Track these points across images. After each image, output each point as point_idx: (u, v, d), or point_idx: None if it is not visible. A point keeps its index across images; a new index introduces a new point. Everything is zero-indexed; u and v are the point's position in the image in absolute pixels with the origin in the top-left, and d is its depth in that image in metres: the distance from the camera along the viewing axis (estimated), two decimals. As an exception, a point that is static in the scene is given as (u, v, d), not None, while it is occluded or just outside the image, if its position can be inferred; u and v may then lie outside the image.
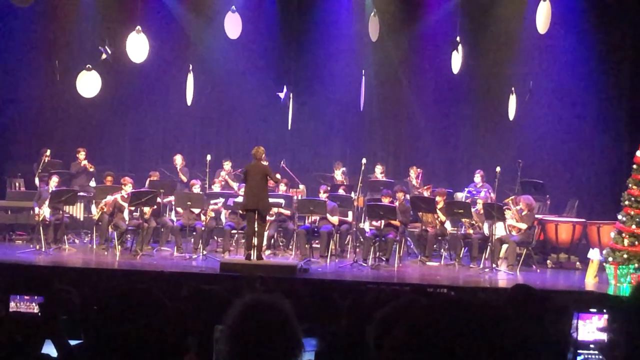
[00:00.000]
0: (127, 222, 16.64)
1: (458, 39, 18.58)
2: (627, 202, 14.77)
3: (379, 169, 19.35)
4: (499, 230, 16.49)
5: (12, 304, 5.62)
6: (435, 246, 17.30)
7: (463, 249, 16.90)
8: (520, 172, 18.44)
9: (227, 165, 19.15)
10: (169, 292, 6.37)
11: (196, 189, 17.36)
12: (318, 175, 19.73)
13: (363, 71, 19.78)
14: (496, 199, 17.02)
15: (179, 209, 17.34)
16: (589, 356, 5.72)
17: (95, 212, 17.21)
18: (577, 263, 16.91)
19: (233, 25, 19.28)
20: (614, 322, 5.19)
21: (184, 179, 18.98)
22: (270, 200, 15.79)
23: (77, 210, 18.18)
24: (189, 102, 19.34)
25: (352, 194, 17.73)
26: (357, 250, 16.83)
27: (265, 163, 15.73)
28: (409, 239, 17.68)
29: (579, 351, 5.68)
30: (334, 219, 16.67)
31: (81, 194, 18.02)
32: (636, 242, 14.52)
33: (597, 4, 19.57)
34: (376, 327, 3.06)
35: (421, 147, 21.57)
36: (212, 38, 20.63)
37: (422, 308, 2.12)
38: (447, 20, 20.14)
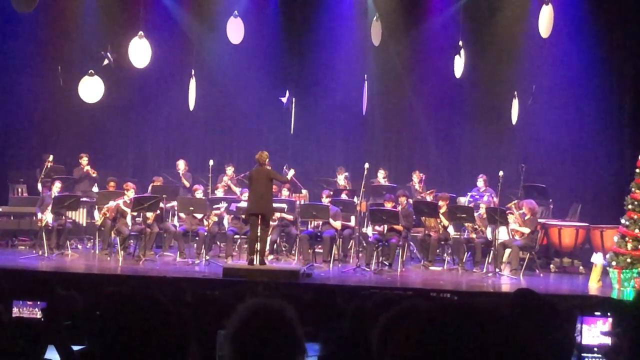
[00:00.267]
0: (129, 228, 16.64)
1: (460, 43, 18.57)
2: (630, 206, 14.77)
3: (381, 173, 19.33)
4: (502, 234, 16.48)
5: (15, 310, 5.62)
6: (438, 251, 17.28)
7: (466, 253, 16.89)
8: (523, 176, 18.39)
9: (230, 170, 19.15)
10: (171, 298, 6.37)
11: (199, 194, 17.36)
12: (321, 180, 19.74)
13: (365, 76, 19.78)
14: (499, 203, 16.99)
15: (182, 214, 17.34)
16: (593, 360, 5.72)
17: (97, 217, 17.22)
18: (581, 267, 16.89)
19: (235, 30, 19.31)
20: (618, 326, 5.17)
21: (187, 184, 18.98)
22: (274, 205, 15.79)
23: (79, 216, 18.20)
24: (191, 107, 19.37)
25: (355, 199, 17.73)
26: (360, 255, 16.82)
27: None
28: (411, 243, 17.67)
29: (582, 355, 5.67)
30: (337, 224, 16.67)
31: (84, 199, 18.04)
32: (639, 246, 14.50)
33: (599, 8, 19.57)
34: (379, 332, 3.05)
35: (424, 152, 21.58)
36: (215, 43, 20.64)
37: (425, 313, 2.11)
38: (450, 25, 20.16)
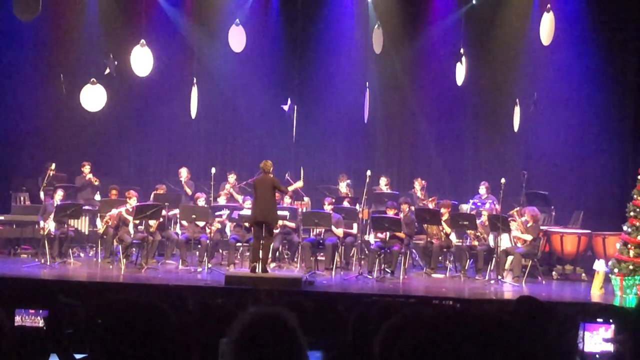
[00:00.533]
0: (132, 236, 16.63)
1: (462, 50, 18.59)
2: (632, 213, 14.77)
3: (383, 181, 19.32)
4: (504, 241, 16.48)
5: (17, 318, 5.62)
6: (440, 258, 17.27)
7: (468, 260, 16.88)
8: (525, 183, 18.42)
9: (232, 178, 19.15)
10: (174, 306, 6.37)
11: (201, 202, 17.36)
12: (323, 188, 19.72)
13: (367, 83, 19.79)
14: (501, 210, 16.99)
15: (184, 222, 17.34)
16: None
17: (100, 225, 17.23)
18: (583, 274, 16.87)
19: (237, 39, 19.33)
20: (620, 333, 5.17)
21: (189, 191, 18.98)
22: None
23: (82, 224, 18.20)
24: (193, 115, 19.38)
25: (357, 206, 17.72)
26: (362, 262, 16.83)
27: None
28: (414, 251, 17.66)
29: (585, 362, 5.67)
30: (339, 231, 16.67)
31: (86, 207, 18.04)
32: (642, 253, 14.51)
33: (600, 15, 19.58)
34: (382, 339, 3.06)
35: (426, 159, 21.57)
36: (217, 51, 20.66)
37: (428, 320, 2.12)
38: (451, 32, 20.19)
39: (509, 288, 15.43)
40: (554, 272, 17.11)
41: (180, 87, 20.36)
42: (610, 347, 5.58)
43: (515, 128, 18.98)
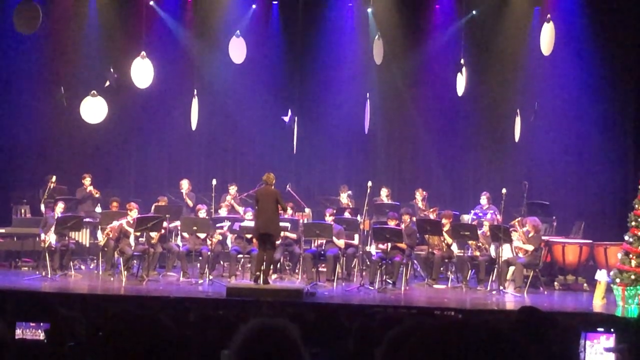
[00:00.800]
0: (133, 248, 16.60)
1: (462, 61, 18.61)
2: (633, 223, 14.74)
3: (384, 191, 19.30)
4: (506, 252, 16.45)
5: (17, 332, 5.60)
6: (442, 269, 17.25)
7: (470, 271, 16.85)
8: (527, 193, 18.42)
9: (233, 189, 19.15)
10: (175, 318, 6.35)
11: (202, 214, 17.35)
12: (324, 199, 19.72)
13: (368, 94, 19.79)
14: (502, 220, 16.99)
15: (185, 234, 17.33)
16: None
17: (101, 238, 17.21)
18: (585, 285, 16.85)
19: (238, 50, 19.35)
20: (622, 343, 5.16)
21: (190, 203, 18.97)
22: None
23: (83, 237, 18.17)
24: (193, 127, 19.39)
25: (358, 217, 17.72)
26: (364, 273, 16.81)
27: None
28: (415, 261, 17.64)
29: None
30: (340, 242, 16.66)
31: (87, 219, 18.02)
32: (643, 263, 14.48)
33: (600, 25, 19.62)
34: (384, 350, 3.04)
35: (427, 170, 21.57)
36: (217, 63, 20.68)
37: (430, 331, 2.10)
38: (451, 43, 20.23)
39: (510, 298, 15.41)
40: (555, 283, 17.09)
41: (180, 99, 20.38)
42: (611, 357, 5.56)
43: (516, 138, 18.98)
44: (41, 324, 5.51)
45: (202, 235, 17.02)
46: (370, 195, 17.48)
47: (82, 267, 17.96)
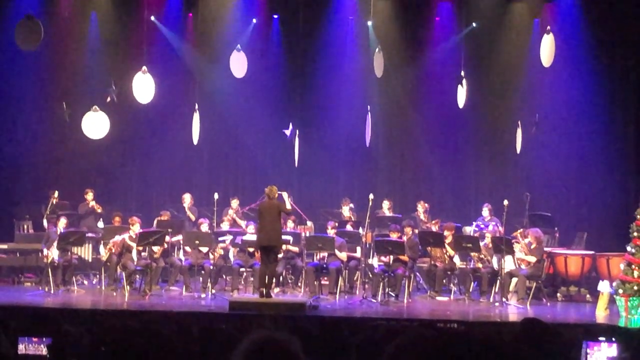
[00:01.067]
0: (135, 263, 16.60)
1: (463, 73, 18.63)
2: (635, 234, 14.73)
3: (386, 204, 19.31)
4: (508, 264, 16.45)
5: (20, 347, 5.60)
6: (444, 281, 17.24)
7: (472, 283, 16.85)
8: (528, 205, 18.40)
9: (235, 203, 19.16)
10: (178, 332, 6.36)
11: (204, 228, 17.35)
12: (326, 212, 19.72)
13: (368, 107, 19.79)
14: (504, 232, 16.97)
15: (187, 248, 17.31)
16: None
17: (103, 253, 17.21)
18: (588, 296, 16.85)
19: (239, 64, 19.37)
20: (624, 353, 5.16)
21: (193, 217, 18.97)
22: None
23: (85, 252, 18.18)
24: (195, 141, 19.38)
25: (360, 230, 17.70)
26: (366, 286, 16.79)
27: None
28: (418, 274, 17.64)
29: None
30: (343, 255, 16.65)
31: (89, 235, 18.03)
32: (646, 273, 14.47)
33: (600, 36, 19.64)
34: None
35: (428, 182, 21.56)
36: (218, 77, 20.69)
37: (431, 342, 2.11)
38: (452, 55, 20.26)
39: (513, 310, 15.39)
40: (558, 294, 17.08)
41: (182, 113, 20.39)
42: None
43: (518, 150, 18.99)
44: (43, 339, 5.52)
45: (204, 249, 17.02)
46: (372, 208, 17.47)
47: (85, 282, 17.96)
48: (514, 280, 16.41)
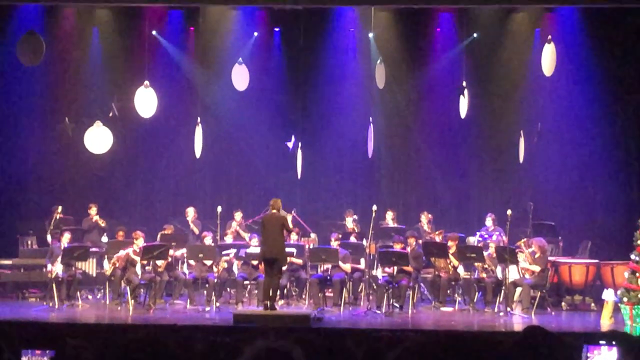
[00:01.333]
0: (139, 277, 16.61)
1: (464, 83, 18.65)
2: (639, 242, 14.71)
3: (389, 215, 19.30)
4: (513, 273, 16.43)
5: (23, 359, 5.61)
6: (448, 291, 17.22)
7: (477, 293, 16.83)
8: (532, 214, 18.39)
9: (238, 216, 19.17)
10: (182, 346, 6.35)
11: (208, 241, 17.35)
12: (329, 224, 19.71)
13: (371, 118, 19.79)
14: (508, 242, 16.96)
15: (191, 262, 17.31)
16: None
17: (107, 267, 17.23)
18: (592, 304, 16.82)
19: (240, 77, 19.40)
20: (625, 357, 5.15)
21: (196, 231, 18.97)
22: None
23: (89, 266, 18.19)
24: (198, 155, 19.38)
25: (364, 241, 17.71)
26: (371, 297, 16.79)
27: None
28: (422, 284, 17.62)
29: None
30: (347, 267, 16.65)
31: (93, 249, 18.04)
32: (650, 282, 14.44)
33: (601, 44, 19.65)
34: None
35: (431, 192, 21.54)
36: (220, 90, 20.73)
37: (433, 350, 2.12)
38: (453, 66, 20.28)
39: (518, 320, 15.39)
40: (563, 303, 17.05)
41: (184, 127, 20.40)
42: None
43: (521, 159, 19.00)
44: (47, 351, 5.53)
45: (208, 263, 17.02)
46: (376, 219, 17.46)
47: (89, 297, 17.97)
48: (519, 289, 16.39)
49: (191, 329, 13.26)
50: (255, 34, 21.14)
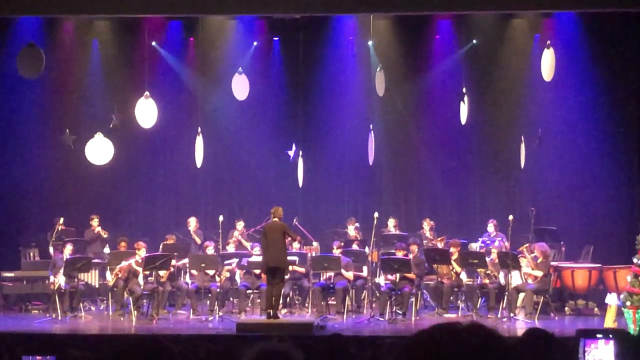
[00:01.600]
0: (142, 287, 16.61)
1: (464, 90, 18.66)
2: (641, 245, 14.71)
3: (391, 222, 19.30)
4: (515, 279, 16.43)
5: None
6: (451, 298, 17.22)
7: (480, 299, 16.83)
8: (534, 219, 18.39)
9: (240, 225, 19.17)
10: (186, 356, 6.36)
11: (210, 251, 17.36)
12: (331, 232, 19.71)
13: (371, 126, 19.77)
14: (510, 247, 16.96)
15: (194, 271, 17.32)
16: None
17: (110, 278, 17.23)
18: (595, 309, 16.82)
19: (240, 87, 19.41)
20: (622, 353, 5.16)
21: (198, 241, 18.97)
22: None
23: (92, 277, 18.18)
24: (199, 165, 19.37)
25: (366, 249, 17.72)
26: (374, 305, 16.79)
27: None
28: (424, 291, 17.61)
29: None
30: (349, 275, 16.65)
31: (95, 260, 18.05)
32: (653, 285, 14.43)
33: (601, 49, 19.68)
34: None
35: (433, 199, 21.54)
36: (220, 100, 20.76)
37: (435, 350, 2.13)
38: (453, 72, 20.28)
39: (522, 325, 15.38)
40: (566, 308, 17.05)
41: (185, 137, 20.39)
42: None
43: (522, 165, 19.00)
44: (47, 357, 5.54)
45: (210, 272, 17.03)
46: (378, 227, 17.48)
47: (92, 308, 17.98)
48: (522, 295, 16.39)
49: (194, 339, 13.25)
50: (255, 43, 21.18)
